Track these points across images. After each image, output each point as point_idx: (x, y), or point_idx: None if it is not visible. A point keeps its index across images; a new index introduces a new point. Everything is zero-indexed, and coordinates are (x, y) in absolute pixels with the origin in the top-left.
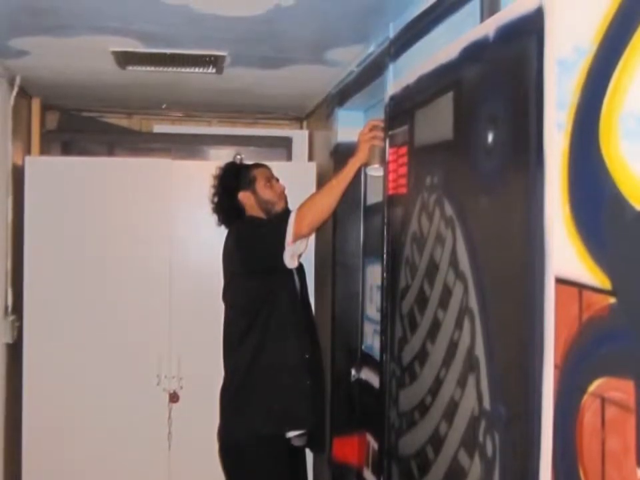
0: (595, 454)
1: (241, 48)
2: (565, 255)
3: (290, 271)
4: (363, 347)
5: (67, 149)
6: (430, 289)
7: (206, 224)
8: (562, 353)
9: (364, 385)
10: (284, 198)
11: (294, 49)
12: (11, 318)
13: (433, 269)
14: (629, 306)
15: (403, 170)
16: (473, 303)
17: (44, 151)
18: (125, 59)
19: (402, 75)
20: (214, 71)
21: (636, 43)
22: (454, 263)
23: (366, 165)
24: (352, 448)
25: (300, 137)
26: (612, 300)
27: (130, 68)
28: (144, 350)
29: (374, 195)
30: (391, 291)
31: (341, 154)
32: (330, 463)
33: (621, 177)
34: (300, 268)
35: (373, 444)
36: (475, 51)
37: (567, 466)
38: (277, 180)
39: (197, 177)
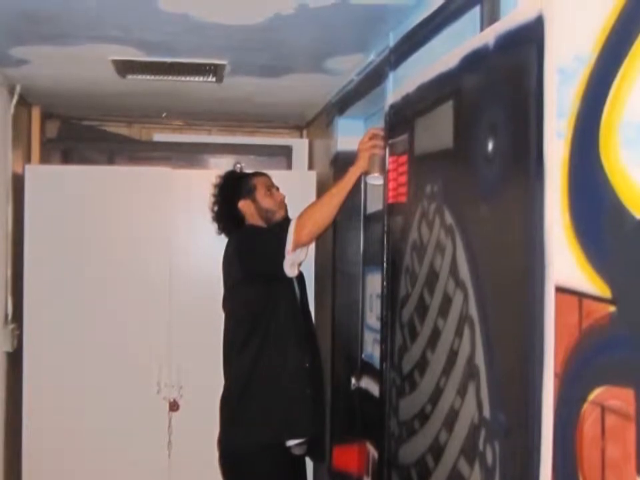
0: (595, 462)
1: (241, 56)
2: (565, 263)
3: (290, 279)
4: (363, 356)
5: (67, 158)
6: (430, 297)
7: (206, 233)
8: (562, 362)
9: (364, 393)
10: (284, 207)
11: (294, 57)
12: (11, 326)
13: (432, 277)
14: (629, 314)
15: (403, 178)
16: (473, 312)
17: (44, 159)
18: (125, 67)
19: (402, 83)
20: (214, 79)
21: (636, 51)
22: (454, 271)
23: (366, 173)
24: (352, 456)
25: (300, 146)
26: (612, 308)
27: (130, 76)
28: (144, 358)
29: (374, 204)
30: (391, 299)
31: (341, 162)
32: (330, 472)
33: (621, 185)
34: (300, 276)
35: (373, 453)
36: (474, 60)
37: (567, 474)
38: (277, 189)
39: (197, 185)
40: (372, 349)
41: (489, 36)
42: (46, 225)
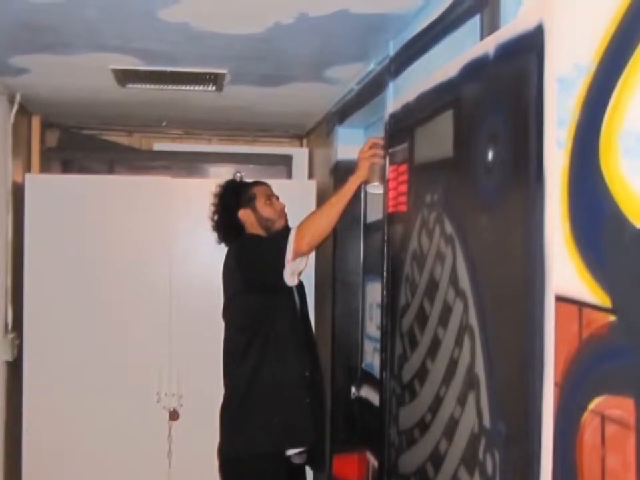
0: (595, 471)
1: (241, 66)
2: (565, 272)
3: (290, 288)
4: (363, 365)
5: (67, 167)
6: (430, 306)
7: (206, 242)
8: (562, 371)
9: (364, 402)
10: (284, 216)
11: (294, 66)
12: (11, 335)
13: (432, 286)
14: (629, 324)
15: (403, 188)
16: (473, 321)
17: (44, 168)
18: (125, 76)
19: (402, 92)
20: (214, 88)
21: (636, 60)
22: (454, 280)
23: (366, 182)
24: (352, 466)
25: (300, 155)
26: (612, 318)
27: (130, 85)
28: (144, 368)
29: (374, 213)
30: (391, 308)
31: (341, 172)
32: None
33: (621, 194)
34: (300, 285)
35: (373, 462)
36: (475, 69)
37: None
38: (277, 198)
39: (197, 194)
40: (372, 358)
41: (489, 45)
42: (46, 234)
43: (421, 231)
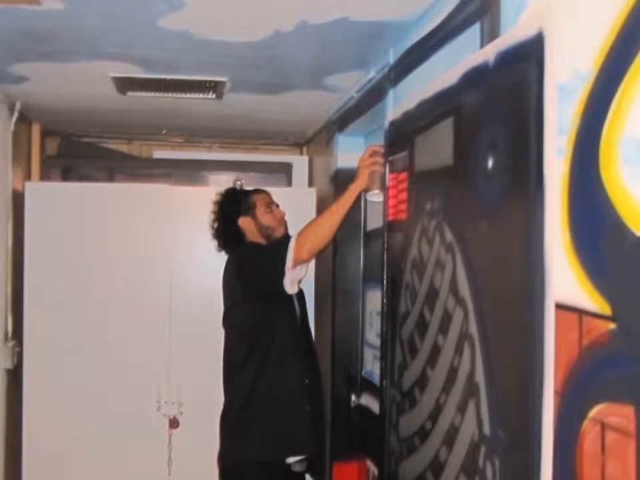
0: (595, 479)
1: (241, 73)
2: (565, 280)
3: (290, 296)
4: (362, 373)
5: (67, 175)
6: (430, 314)
7: (206, 249)
8: (562, 379)
9: (364, 410)
10: (284, 224)
11: (294, 74)
12: (11, 343)
13: (432, 294)
14: (629, 331)
15: (403, 195)
16: (473, 329)
17: (44, 176)
18: (125, 84)
19: (402, 100)
20: (214, 96)
21: (636, 68)
22: (454, 288)
23: (366, 190)
24: (352, 473)
25: (300, 163)
26: (612, 325)
27: (130, 93)
28: (144, 375)
29: (374, 221)
30: (391, 316)
31: (341, 179)
32: None
33: (621, 202)
34: (300, 293)
35: (373, 470)
36: (475, 77)
37: None
38: (277, 205)
39: (197, 202)
40: (372, 366)
41: (489, 53)
42: (46, 241)
43: (421, 239)
